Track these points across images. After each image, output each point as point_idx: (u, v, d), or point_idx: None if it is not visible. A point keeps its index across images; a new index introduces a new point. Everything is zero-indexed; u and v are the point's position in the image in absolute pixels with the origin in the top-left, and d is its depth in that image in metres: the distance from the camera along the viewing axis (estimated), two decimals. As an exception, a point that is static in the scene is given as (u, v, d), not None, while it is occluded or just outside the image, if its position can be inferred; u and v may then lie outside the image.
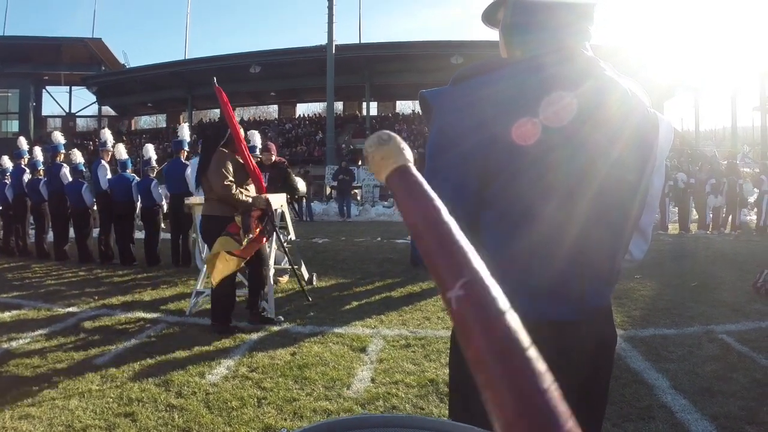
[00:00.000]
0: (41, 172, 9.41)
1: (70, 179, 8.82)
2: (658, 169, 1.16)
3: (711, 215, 13.21)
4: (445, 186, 1.03)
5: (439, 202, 0.44)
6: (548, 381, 0.36)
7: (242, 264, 4.54)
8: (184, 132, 8.53)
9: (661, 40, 58.72)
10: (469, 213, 1.04)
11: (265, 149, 7.03)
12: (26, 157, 9.78)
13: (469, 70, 1.06)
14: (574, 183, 1.01)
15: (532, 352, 0.36)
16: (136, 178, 8.68)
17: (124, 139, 30.55)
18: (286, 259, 6.82)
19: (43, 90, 38.22)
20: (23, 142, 10.06)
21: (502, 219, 1.03)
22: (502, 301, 0.39)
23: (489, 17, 1.22)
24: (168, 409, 3.05)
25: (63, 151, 9.31)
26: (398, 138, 0.48)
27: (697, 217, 13.80)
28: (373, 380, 3.46)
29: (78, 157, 9.24)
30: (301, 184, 7.18)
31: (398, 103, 38.36)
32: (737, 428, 2.75)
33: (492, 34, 1.21)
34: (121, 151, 8.82)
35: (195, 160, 7.83)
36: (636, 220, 1.15)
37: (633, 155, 1.07)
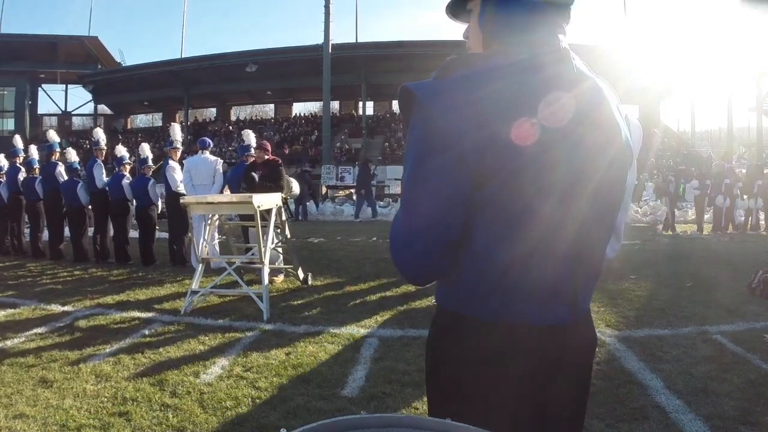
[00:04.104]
0: (36, 171, 9.38)
1: (66, 178, 8.79)
2: (633, 167, 1.16)
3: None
4: (439, 192, 0.98)
5: None
6: None
7: None
8: (176, 132, 8.57)
9: (657, 40, 58.91)
10: (463, 216, 1.00)
11: (260, 147, 7.00)
12: (21, 155, 9.74)
13: (455, 63, 1.02)
14: (571, 183, 1.00)
15: None
16: (128, 176, 8.61)
17: (120, 137, 30.53)
18: (281, 258, 6.82)
19: (39, 88, 38.12)
20: (19, 141, 10.02)
21: (496, 221, 1.00)
22: None
23: (454, 11, 1.17)
24: (162, 408, 3.04)
25: (58, 149, 9.31)
26: None
27: (693, 217, 13.95)
28: (367, 380, 3.46)
29: (73, 155, 9.27)
30: (294, 185, 7.15)
31: (394, 102, 38.33)
32: (731, 429, 2.76)
33: None
34: (119, 148, 8.83)
35: (189, 160, 7.83)
36: (617, 219, 1.14)
37: (625, 154, 1.07)
